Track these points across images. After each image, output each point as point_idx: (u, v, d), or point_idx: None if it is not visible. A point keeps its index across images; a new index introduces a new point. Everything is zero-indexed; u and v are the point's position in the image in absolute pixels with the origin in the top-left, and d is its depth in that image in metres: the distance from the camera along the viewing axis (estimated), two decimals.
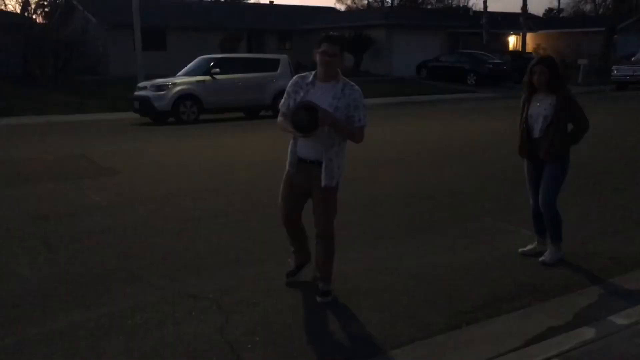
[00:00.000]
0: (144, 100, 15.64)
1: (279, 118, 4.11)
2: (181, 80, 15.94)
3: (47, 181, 8.24)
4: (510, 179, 7.53)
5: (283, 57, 17.96)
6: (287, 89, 4.11)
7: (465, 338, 3.63)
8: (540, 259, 4.82)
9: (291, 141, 4.09)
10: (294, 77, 4.16)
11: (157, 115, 15.68)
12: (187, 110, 15.66)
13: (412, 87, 26.77)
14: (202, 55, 17.73)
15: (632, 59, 28.36)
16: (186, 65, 17.12)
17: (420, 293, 4.31)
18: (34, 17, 29.96)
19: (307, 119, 3.79)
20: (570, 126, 4.72)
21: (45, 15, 31.73)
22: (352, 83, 4.03)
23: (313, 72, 4.07)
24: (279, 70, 17.27)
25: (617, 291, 4.33)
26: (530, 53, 35.37)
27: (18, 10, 29.30)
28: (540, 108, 4.68)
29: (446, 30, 36.17)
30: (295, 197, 4.18)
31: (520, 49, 36.83)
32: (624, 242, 5.41)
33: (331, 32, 4.12)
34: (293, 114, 3.85)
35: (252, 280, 4.57)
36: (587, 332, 3.62)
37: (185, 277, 4.61)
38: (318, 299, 4.13)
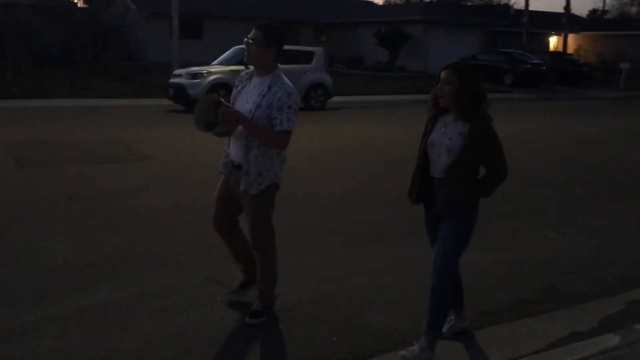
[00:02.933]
0: (179, 88, 15.83)
1: None
2: (216, 69, 16.08)
3: (84, 163, 8.44)
4: (539, 181, 7.46)
5: (318, 50, 17.98)
6: (235, 81, 3.81)
7: (487, 338, 3.64)
8: (401, 352, 3.33)
9: (226, 140, 3.75)
10: (243, 72, 3.78)
11: (191, 103, 15.87)
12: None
13: None
14: (237, 45, 17.86)
15: None
16: (221, 55, 17.27)
17: None
18: (76, 1, 30.56)
19: (212, 115, 3.46)
20: (482, 169, 3.32)
21: (87, 1, 32.33)
22: (285, 80, 3.54)
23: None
24: (313, 63, 17.29)
25: None
26: (571, 54, 34.71)
27: None
28: (445, 136, 3.25)
29: (485, 28, 35.67)
30: (224, 199, 3.78)
31: (561, 50, 36.14)
32: None
33: (265, 22, 3.67)
34: (201, 108, 3.55)
35: (279, 269, 4.62)
36: (612, 339, 3.59)
37: (213, 263, 4.70)
38: (247, 320, 3.71)
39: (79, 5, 30.70)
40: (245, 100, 3.58)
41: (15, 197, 6.51)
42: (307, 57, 17.47)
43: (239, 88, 3.70)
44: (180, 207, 6.34)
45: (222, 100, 3.52)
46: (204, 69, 16.07)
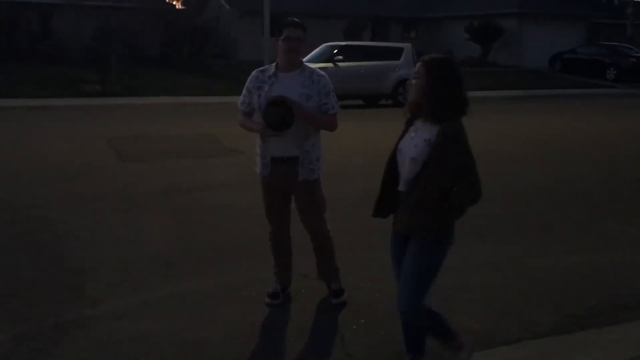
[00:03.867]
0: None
1: (240, 118, 3.83)
2: None
3: (177, 157, 8.87)
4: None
5: (407, 46, 17.81)
6: (247, 84, 3.77)
7: (576, 342, 3.51)
8: None
9: (259, 142, 3.77)
10: (253, 72, 3.82)
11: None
12: None
13: (544, 80, 25.46)
14: (326, 42, 18.03)
15: None
16: (311, 52, 17.52)
17: (531, 293, 4.19)
18: (174, 3, 32.03)
19: (280, 115, 3.51)
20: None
21: (184, 2, 33.80)
22: (318, 70, 3.77)
23: (273, 64, 3.77)
24: (401, 59, 17.15)
25: None
26: None
27: None
28: (412, 143, 2.83)
29: (585, 20, 33.89)
30: (279, 202, 3.87)
31: None
32: None
33: (293, 18, 3.73)
34: (265, 112, 3.54)
35: (360, 264, 4.67)
36: None
37: (298, 256, 4.77)
38: (333, 300, 3.93)
39: (177, 7, 32.15)
40: (289, 96, 3.59)
41: (117, 189, 6.95)
42: (395, 53, 17.36)
43: (265, 89, 3.67)
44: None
45: (288, 98, 3.53)
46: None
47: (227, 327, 3.65)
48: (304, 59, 3.88)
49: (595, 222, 5.98)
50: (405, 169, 2.82)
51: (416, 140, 2.80)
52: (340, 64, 16.24)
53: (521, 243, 5.28)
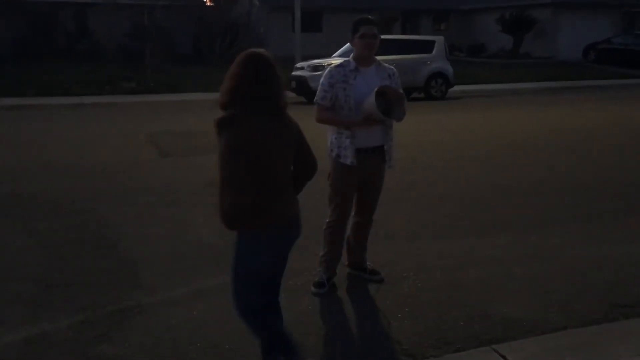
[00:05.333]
0: (301, 80, 16.33)
1: (321, 113, 3.90)
2: (337, 62, 16.41)
3: (215, 152, 9.02)
4: None
5: (439, 39, 17.74)
6: (328, 80, 3.86)
7: (621, 331, 3.54)
8: None
9: (336, 135, 3.89)
10: (330, 69, 3.94)
11: (312, 95, 16.28)
12: None
13: (578, 71, 25.05)
14: None
15: None
16: (341, 47, 17.56)
17: (575, 283, 4.23)
18: (205, 0, 32.33)
19: (383, 103, 3.76)
20: None
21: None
22: (387, 64, 4.01)
23: (349, 60, 3.92)
24: (434, 52, 17.11)
25: None
26: None
27: None
28: None
29: (621, 9, 33.14)
30: (353, 192, 4.03)
31: None
32: None
33: (368, 16, 3.99)
34: (376, 100, 3.68)
35: (407, 254, 4.76)
36: None
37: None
38: (375, 278, 4.21)
39: (208, 3, 32.46)
40: (369, 90, 3.76)
41: (160, 183, 7.15)
42: (427, 47, 17.31)
43: (350, 82, 3.84)
44: (306, 194, 6.62)
45: (385, 85, 3.79)
46: (325, 62, 16.44)
47: None
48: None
49: (636, 213, 5.96)
50: None
51: None
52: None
53: (563, 234, 5.30)
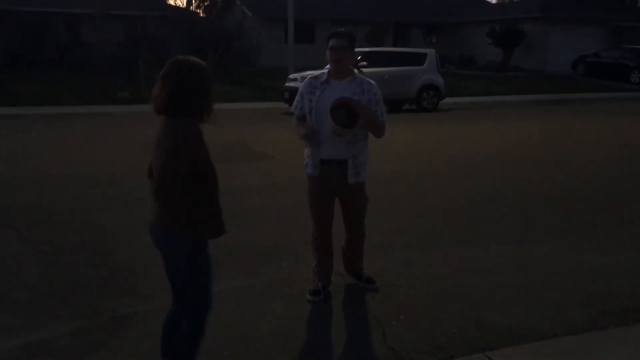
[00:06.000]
0: (294, 92, 16.37)
1: (294, 121, 4.05)
2: None
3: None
4: None
5: (430, 52, 17.94)
6: (300, 90, 4.00)
7: (611, 338, 3.62)
8: None
9: (306, 145, 3.98)
10: (306, 79, 4.04)
11: None
12: None
13: (567, 84, 25.36)
14: None
15: None
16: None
17: (565, 291, 4.31)
18: (197, 11, 32.51)
19: (346, 115, 3.74)
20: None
21: (206, 9, 34.24)
22: (368, 79, 3.93)
23: (325, 72, 3.98)
24: (425, 65, 17.30)
25: None
26: None
27: (183, 4, 31.95)
28: None
29: (609, 23, 33.63)
30: (324, 203, 4.05)
31: None
32: None
33: (341, 29, 4.01)
34: (331, 113, 3.73)
35: (398, 264, 4.83)
36: None
37: (337, 256, 4.97)
38: (368, 286, 4.24)
39: (200, 14, 32.61)
40: None
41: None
42: (419, 59, 17.50)
43: (317, 94, 3.88)
44: (301, 204, 6.69)
45: (351, 98, 3.76)
46: (317, 73, 16.58)
47: (272, 323, 3.82)
48: None
49: (626, 222, 6.07)
50: None
51: None
52: (364, 69, 16.41)
53: (554, 244, 5.39)
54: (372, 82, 3.95)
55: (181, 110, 2.77)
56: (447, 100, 17.91)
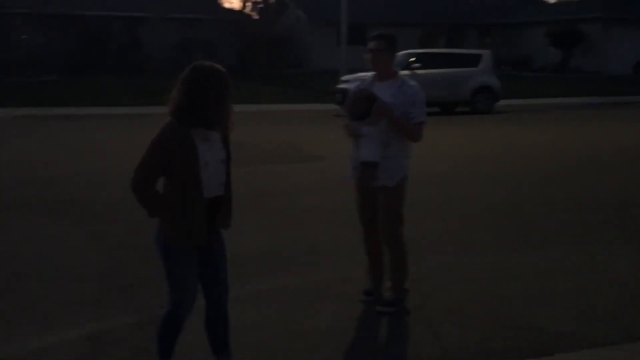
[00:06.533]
0: (346, 93, 16.49)
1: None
2: None
3: (265, 163, 9.27)
4: None
5: (486, 53, 17.71)
6: (351, 92, 4.13)
7: None
8: None
9: (352, 146, 4.02)
10: (357, 83, 4.24)
11: None
12: None
13: (629, 86, 24.49)
14: (402, 50, 18.14)
15: None
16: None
17: (625, 297, 4.22)
18: (251, 13, 33.01)
19: (364, 107, 3.77)
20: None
21: (260, 12, 34.74)
22: (410, 80, 3.98)
23: (372, 74, 4.02)
24: (479, 66, 17.08)
25: None
26: None
27: (237, 7, 32.52)
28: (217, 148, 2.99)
29: None
30: (367, 205, 4.04)
31: None
32: None
33: (381, 31, 4.01)
34: (352, 101, 3.85)
35: (449, 266, 4.83)
36: None
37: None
38: (378, 308, 4.00)
39: (253, 17, 33.11)
40: None
41: None
42: (474, 60, 17.31)
43: None
44: (352, 204, 6.74)
45: (376, 95, 3.79)
46: (370, 75, 16.58)
47: (325, 321, 3.89)
48: None
49: None
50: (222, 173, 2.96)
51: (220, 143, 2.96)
52: (417, 71, 16.34)
53: (609, 250, 5.27)
54: (414, 83, 3.95)
55: (189, 117, 2.74)
56: (502, 102, 17.61)
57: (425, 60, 16.73)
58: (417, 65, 16.42)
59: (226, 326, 3.15)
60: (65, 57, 26.69)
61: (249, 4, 32.77)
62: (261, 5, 34.31)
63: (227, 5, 32.43)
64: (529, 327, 3.77)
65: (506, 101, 18.03)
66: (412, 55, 17.12)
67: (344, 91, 16.62)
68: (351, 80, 16.64)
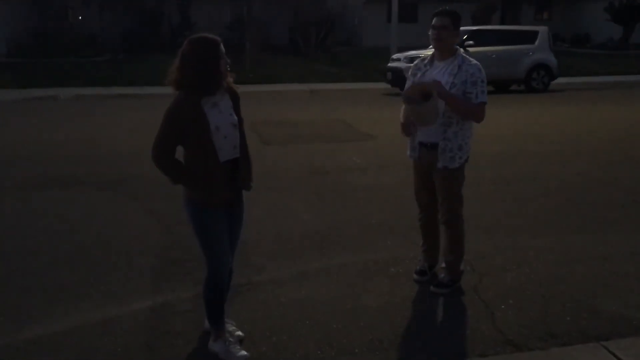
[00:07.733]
0: (397, 72, 16.29)
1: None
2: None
3: (317, 142, 9.30)
4: None
5: (542, 29, 17.11)
6: (410, 71, 4.03)
7: None
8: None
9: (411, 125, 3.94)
10: (416, 60, 4.06)
11: None
12: None
13: None
14: None
15: None
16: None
17: None
18: None
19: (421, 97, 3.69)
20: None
21: None
22: (471, 59, 3.79)
23: (432, 52, 3.90)
24: (536, 43, 16.54)
25: None
26: None
27: None
28: (228, 112, 3.25)
29: None
30: (425, 185, 4.00)
31: None
32: None
33: (445, 7, 3.88)
34: (407, 98, 3.74)
35: (507, 248, 4.75)
36: None
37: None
38: (432, 288, 4.00)
39: None
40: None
41: (264, 171, 7.43)
42: (530, 37, 16.78)
43: (418, 75, 3.92)
44: (405, 184, 6.69)
45: (432, 92, 3.64)
46: (421, 53, 16.30)
47: (378, 299, 3.90)
48: None
49: None
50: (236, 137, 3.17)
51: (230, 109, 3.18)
52: (470, 49, 15.97)
53: None
54: (475, 62, 3.81)
55: (184, 83, 2.97)
56: (560, 80, 17.05)
57: (479, 38, 16.31)
58: (470, 42, 16.04)
59: (227, 292, 3.33)
60: (119, 37, 27.29)
61: None
62: None
63: None
64: (587, 311, 3.68)
65: (563, 79, 17.45)
66: (464, 32, 16.73)
67: (395, 70, 16.45)
68: (402, 59, 16.45)
